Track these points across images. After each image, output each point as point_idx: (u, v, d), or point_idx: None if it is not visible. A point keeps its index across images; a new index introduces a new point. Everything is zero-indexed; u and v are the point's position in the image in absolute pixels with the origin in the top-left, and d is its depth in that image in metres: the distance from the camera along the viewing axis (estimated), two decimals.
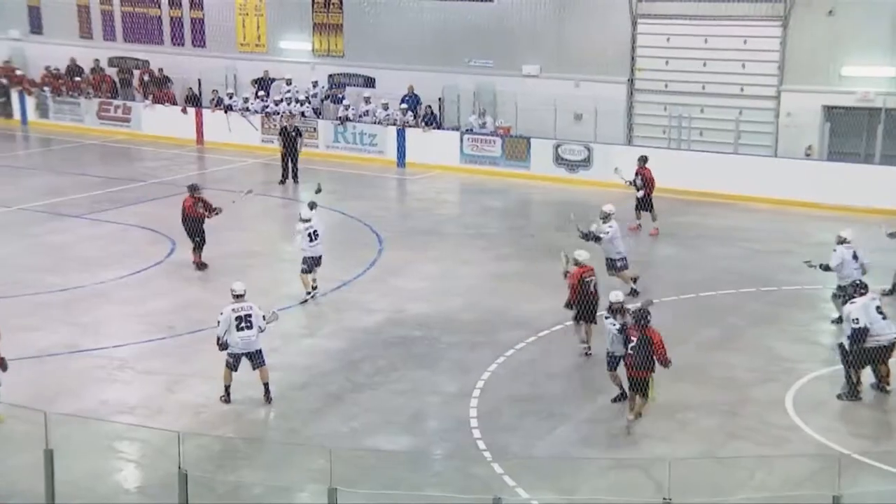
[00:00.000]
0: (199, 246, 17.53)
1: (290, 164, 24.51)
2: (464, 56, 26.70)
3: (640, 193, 20.04)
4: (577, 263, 13.78)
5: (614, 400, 12.12)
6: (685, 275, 17.23)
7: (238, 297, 12.34)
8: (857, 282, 12.68)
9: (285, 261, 17.32)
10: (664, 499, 8.55)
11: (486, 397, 12.51)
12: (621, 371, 12.03)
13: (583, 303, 13.51)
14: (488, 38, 26.34)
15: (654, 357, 11.42)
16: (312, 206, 16.53)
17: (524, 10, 25.97)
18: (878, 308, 12.08)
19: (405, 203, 24.64)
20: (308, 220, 16.19)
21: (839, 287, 14.29)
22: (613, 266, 15.88)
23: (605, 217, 15.93)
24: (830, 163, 22.38)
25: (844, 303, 12.66)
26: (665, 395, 12.37)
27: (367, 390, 12.79)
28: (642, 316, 11.52)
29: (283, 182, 24.45)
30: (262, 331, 12.33)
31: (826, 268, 14.32)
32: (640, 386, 11.50)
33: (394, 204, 24.43)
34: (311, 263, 16.19)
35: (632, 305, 12.74)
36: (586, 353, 13.62)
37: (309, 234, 16.06)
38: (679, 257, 18.52)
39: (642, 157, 20.48)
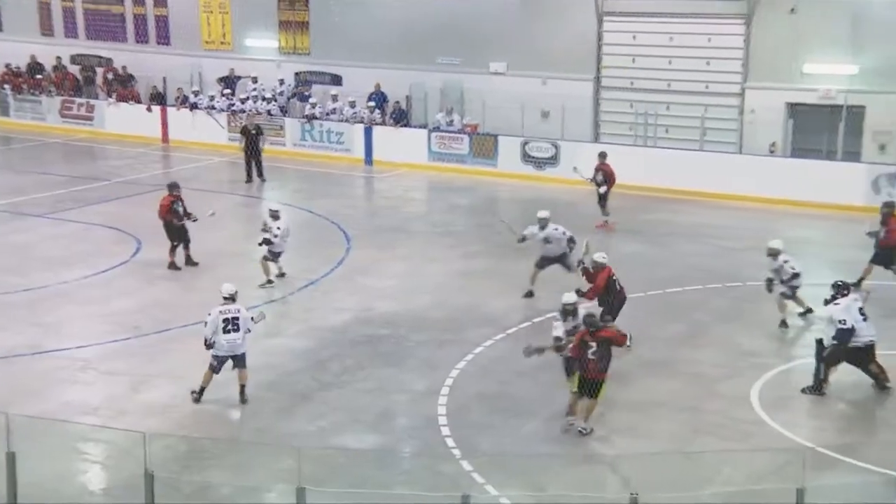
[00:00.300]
0: (177, 247, 17.39)
1: (253, 164, 24.38)
2: (431, 54, 26.66)
3: (603, 189, 20.15)
4: (598, 264, 13.81)
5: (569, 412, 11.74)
6: (653, 271, 17.31)
7: (226, 298, 12.29)
8: (840, 283, 12.65)
9: (254, 260, 17.20)
10: (631, 494, 8.59)
11: (455, 395, 12.51)
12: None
13: (608, 301, 13.64)
14: (455, 36, 26.32)
15: (617, 345, 11.38)
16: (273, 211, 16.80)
17: (491, 7, 25.98)
18: (860, 309, 12.14)
19: (373, 201, 24.58)
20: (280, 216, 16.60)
21: (793, 289, 14.47)
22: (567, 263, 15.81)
23: (544, 222, 15.77)
24: (794, 159, 22.62)
25: (827, 302, 12.69)
26: (632, 391, 12.47)
27: (334, 389, 12.75)
28: (593, 321, 11.39)
29: (248, 181, 24.31)
30: (248, 332, 12.28)
31: (796, 276, 14.48)
32: (593, 388, 11.36)
33: (361, 202, 24.36)
34: (277, 256, 16.53)
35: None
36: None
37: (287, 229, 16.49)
38: (647, 254, 18.60)
39: (602, 152, 20.68)
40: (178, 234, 17.42)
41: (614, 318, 13.40)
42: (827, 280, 16.96)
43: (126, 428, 10.94)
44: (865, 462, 10.38)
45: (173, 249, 17.42)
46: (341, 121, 26.93)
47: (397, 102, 26.73)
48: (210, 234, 18.44)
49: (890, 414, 11.69)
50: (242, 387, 12.28)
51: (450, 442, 11.29)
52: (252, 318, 12.34)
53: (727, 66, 23.57)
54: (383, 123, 26.59)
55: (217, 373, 12.23)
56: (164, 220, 17.40)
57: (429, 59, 26.67)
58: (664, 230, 20.16)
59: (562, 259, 15.74)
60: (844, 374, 12.99)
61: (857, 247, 16.69)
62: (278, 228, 16.42)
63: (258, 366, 13.15)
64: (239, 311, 12.21)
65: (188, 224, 17.44)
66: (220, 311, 12.16)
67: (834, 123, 22.41)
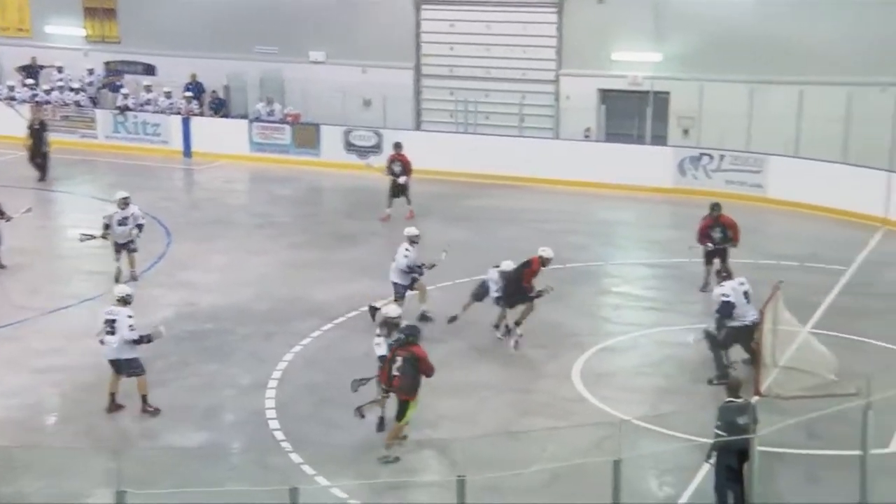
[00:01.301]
0: None
1: (40, 160, 22.98)
2: (247, 42, 26.14)
3: (403, 179, 20.21)
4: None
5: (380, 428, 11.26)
6: (476, 256, 17.48)
7: (117, 300, 11.76)
8: (722, 272, 13.35)
9: (62, 257, 16.44)
10: (458, 476, 8.71)
11: (283, 388, 12.38)
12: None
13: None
14: (272, 24, 25.91)
15: (421, 373, 10.70)
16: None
17: None
18: (745, 293, 12.70)
19: (192, 194, 23.95)
20: None
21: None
22: (409, 288, 14.71)
23: (414, 240, 14.58)
24: (607, 144, 23.49)
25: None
26: (460, 375, 12.66)
27: (158, 388, 12.31)
28: (412, 333, 10.92)
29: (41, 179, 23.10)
30: (136, 342, 11.58)
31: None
32: (400, 410, 10.75)
33: (181, 195, 23.70)
34: (122, 248, 16.14)
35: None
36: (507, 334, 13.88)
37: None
38: (470, 239, 18.85)
39: (396, 143, 20.76)
40: None
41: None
42: (641, 260, 17.94)
43: None
44: (674, 430, 10.94)
45: None
46: (157, 112, 26.07)
47: (214, 92, 26.12)
48: (13, 232, 17.41)
49: (695, 386, 12.41)
50: (143, 396, 11.65)
51: (279, 435, 11.17)
52: (131, 327, 11.52)
53: (542, 54, 24.21)
54: (201, 114, 25.93)
55: (118, 374, 11.64)
56: None
57: (246, 48, 26.16)
58: (486, 216, 20.54)
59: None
60: (656, 349, 13.69)
61: (667, 227, 17.51)
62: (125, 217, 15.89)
63: (77, 366, 12.64)
64: (118, 315, 11.59)
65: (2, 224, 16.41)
66: (107, 312, 11.72)
67: (642, 109, 23.42)
